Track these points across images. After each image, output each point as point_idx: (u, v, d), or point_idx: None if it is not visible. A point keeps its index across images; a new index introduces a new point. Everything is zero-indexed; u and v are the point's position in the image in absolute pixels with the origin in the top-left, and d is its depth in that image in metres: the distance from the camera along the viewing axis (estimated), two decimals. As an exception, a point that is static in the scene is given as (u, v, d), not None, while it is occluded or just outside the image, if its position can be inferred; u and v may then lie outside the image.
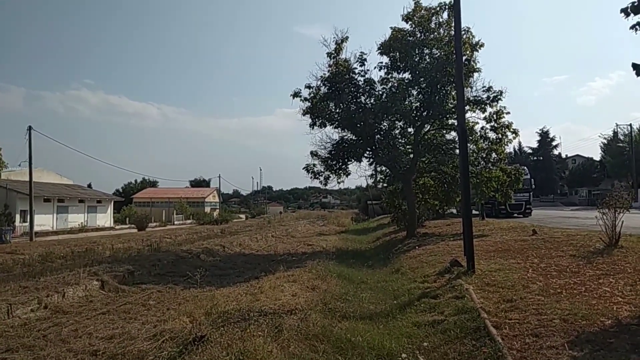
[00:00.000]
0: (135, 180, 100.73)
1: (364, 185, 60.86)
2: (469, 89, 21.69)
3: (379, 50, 22.47)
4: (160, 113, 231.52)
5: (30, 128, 34.17)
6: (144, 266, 15.79)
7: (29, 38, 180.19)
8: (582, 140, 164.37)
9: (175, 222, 63.36)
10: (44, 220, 42.45)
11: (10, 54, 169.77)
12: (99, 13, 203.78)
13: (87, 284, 12.04)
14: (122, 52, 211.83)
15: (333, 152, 23.51)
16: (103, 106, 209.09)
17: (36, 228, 35.90)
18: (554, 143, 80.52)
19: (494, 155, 22.63)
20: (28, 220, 35.92)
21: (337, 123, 23.08)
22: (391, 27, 22.34)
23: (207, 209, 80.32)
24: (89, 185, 68.06)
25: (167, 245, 27.43)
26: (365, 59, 22.79)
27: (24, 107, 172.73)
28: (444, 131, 24.61)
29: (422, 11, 21.84)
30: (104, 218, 54.14)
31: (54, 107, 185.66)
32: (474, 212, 18.26)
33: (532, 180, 34.59)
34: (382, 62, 22.84)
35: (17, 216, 39.60)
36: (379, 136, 23.18)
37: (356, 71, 22.86)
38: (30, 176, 35.19)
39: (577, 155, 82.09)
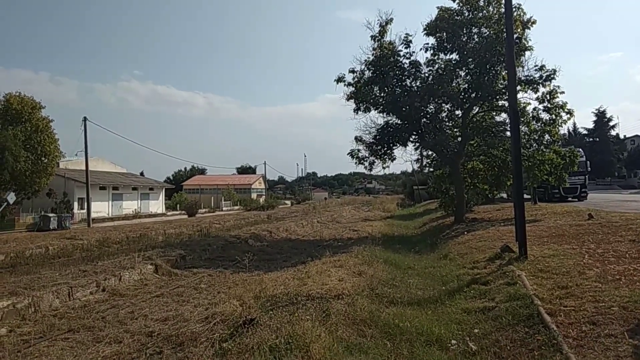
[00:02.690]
0: (185, 168, 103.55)
1: (410, 170, 60.15)
2: (520, 68, 20.84)
3: (425, 31, 21.94)
4: (207, 102, 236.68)
5: (85, 119, 35.51)
6: (194, 251, 16.28)
7: (79, 32, 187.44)
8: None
9: (224, 208, 64.64)
10: (100, 207, 44.32)
11: (62, 49, 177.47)
12: (146, 6, 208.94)
13: (141, 267, 12.55)
14: (168, 42, 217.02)
15: (378, 137, 23.26)
16: (152, 96, 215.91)
17: (93, 215, 37.50)
18: (611, 123, 76.46)
19: (547, 137, 21.76)
20: (85, 207, 37.56)
21: (381, 107, 22.79)
22: (437, 7, 21.82)
23: (254, 195, 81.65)
24: (142, 173, 70.43)
25: (216, 230, 28.15)
26: (410, 41, 22.35)
27: (77, 98, 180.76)
28: (494, 113, 23.83)
29: (470, -12, 21.10)
30: (156, 205, 55.92)
31: (106, 98, 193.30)
32: (525, 196, 17.61)
33: (588, 162, 33.01)
34: (428, 44, 22.34)
35: (75, 204, 41.48)
36: (425, 120, 22.74)
37: (401, 53, 22.47)
38: (86, 165, 36.72)
39: (636, 135, 77.46)
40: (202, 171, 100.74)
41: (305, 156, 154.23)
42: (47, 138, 32.53)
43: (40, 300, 9.02)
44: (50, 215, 32.73)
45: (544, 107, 21.48)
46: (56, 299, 9.43)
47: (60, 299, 9.51)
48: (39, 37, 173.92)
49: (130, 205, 50.07)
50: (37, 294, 9.16)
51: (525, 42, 20.70)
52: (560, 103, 21.10)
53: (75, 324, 7.77)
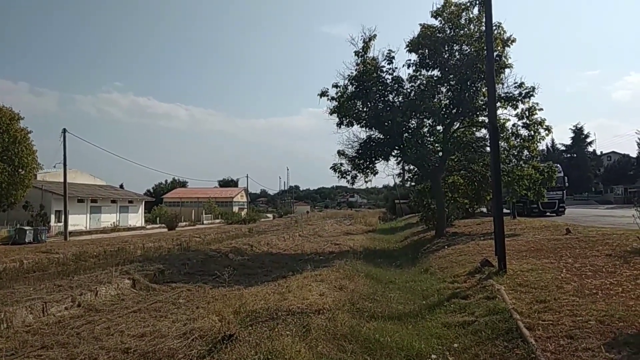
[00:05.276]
0: (166, 181, 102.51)
1: (392, 184, 60.46)
2: (500, 85, 21.30)
3: (407, 48, 22.28)
4: (189, 114, 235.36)
5: (64, 130, 35.00)
6: (174, 265, 16.04)
7: (60, 43, 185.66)
8: (618, 137, 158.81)
9: (205, 222, 64.10)
10: (78, 220, 43.53)
11: (42, 59, 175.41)
12: (127, 17, 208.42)
13: (119, 282, 12.29)
14: (150, 54, 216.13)
15: (360, 151, 23.42)
16: (133, 108, 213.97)
17: (70, 228, 36.78)
18: (588, 140, 78.23)
19: (526, 152, 22.17)
20: (63, 220, 36.85)
21: (364, 122, 22.99)
22: (420, 24, 22.21)
23: (235, 209, 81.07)
24: (121, 186, 69.47)
25: (197, 244, 27.85)
26: (393, 57, 22.71)
27: (58, 109, 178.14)
28: (474, 129, 24.23)
29: (452, 7, 21.56)
30: (136, 218, 55.17)
31: (87, 109, 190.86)
32: (505, 210, 17.90)
33: (566, 178, 33.68)
34: (410, 60, 22.71)
35: (52, 216, 40.69)
36: (407, 134, 22.96)
37: (384, 69, 22.76)
38: (64, 177, 36.09)
39: (613, 152, 79.32)
40: (183, 184, 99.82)
41: (287, 169, 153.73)
42: (25, 149, 31.91)
43: (13, 316, 8.76)
44: (26, 228, 32.00)
45: (523, 123, 21.93)
46: (30, 314, 9.16)
47: (34, 315, 9.24)
48: (18, 47, 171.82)
49: (108, 219, 49.28)
50: (9, 309, 8.89)
51: (505, 60, 21.19)
52: (539, 119, 21.58)
53: (49, 340, 7.55)
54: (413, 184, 31.73)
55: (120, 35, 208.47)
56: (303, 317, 7.65)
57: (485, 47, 13.82)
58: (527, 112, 21.62)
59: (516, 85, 21.39)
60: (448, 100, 22.72)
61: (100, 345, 7.16)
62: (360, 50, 22.64)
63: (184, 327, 7.74)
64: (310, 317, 7.66)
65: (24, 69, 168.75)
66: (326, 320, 7.53)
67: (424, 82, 22.57)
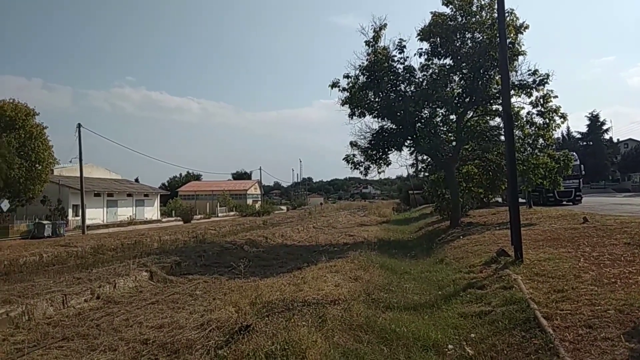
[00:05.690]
0: (180, 174, 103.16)
1: (405, 174, 60.19)
2: (514, 73, 21.04)
3: (419, 36, 22.08)
4: (201, 108, 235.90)
5: (79, 125, 35.51)
6: (190, 257, 16.21)
7: (72, 39, 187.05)
8: (635, 124, 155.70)
9: (219, 214, 64.55)
10: (95, 214, 44.17)
11: (55, 55, 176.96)
12: (138, 12, 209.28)
13: (136, 274, 12.46)
14: (161, 49, 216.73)
15: (373, 141, 23.32)
16: (145, 102, 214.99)
17: (87, 222, 37.34)
18: (604, 127, 76.91)
19: (541, 141, 21.88)
20: (80, 214, 37.42)
21: (376, 112, 22.85)
22: (431, 12, 21.99)
23: (249, 201, 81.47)
24: (136, 180, 69.98)
25: (212, 236, 28.05)
26: (404, 46, 22.53)
27: (71, 105, 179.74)
28: (488, 117, 23.98)
29: (463, -6, 21.24)
30: (151, 211, 55.77)
31: (100, 104, 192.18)
32: (520, 200, 17.71)
33: (582, 166, 33.18)
34: (422, 49, 22.49)
35: (70, 210, 41.32)
36: (419, 124, 22.79)
37: (395, 59, 22.58)
38: (81, 172, 36.59)
39: (630, 139, 77.91)
40: (197, 177, 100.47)
41: (300, 161, 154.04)
42: (41, 145, 32.43)
43: (34, 308, 8.93)
44: (45, 222, 32.59)
45: (538, 111, 21.66)
46: (50, 307, 9.34)
47: (55, 307, 9.42)
48: (31, 44, 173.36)
49: (125, 212, 49.91)
50: (31, 302, 9.07)
51: (519, 47, 20.90)
52: (554, 107, 21.29)
53: (70, 332, 7.69)
54: (427, 174, 31.56)
55: (131, 29, 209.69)
56: (319, 307, 7.67)
57: (498, 35, 13.65)
58: (541, 100, 21.34)
59: (530, 72, 21.17)
60: (461, 89, 22.51)
61: (119, 337, 7.29)
62: (371, 40, 22.47)
63: (201, 318, 7.83)
64: (326, 307, 7.68)
65: (37, 65, 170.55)
66: (342, 310, 7.55)
67: (436, 71, 22.35)
